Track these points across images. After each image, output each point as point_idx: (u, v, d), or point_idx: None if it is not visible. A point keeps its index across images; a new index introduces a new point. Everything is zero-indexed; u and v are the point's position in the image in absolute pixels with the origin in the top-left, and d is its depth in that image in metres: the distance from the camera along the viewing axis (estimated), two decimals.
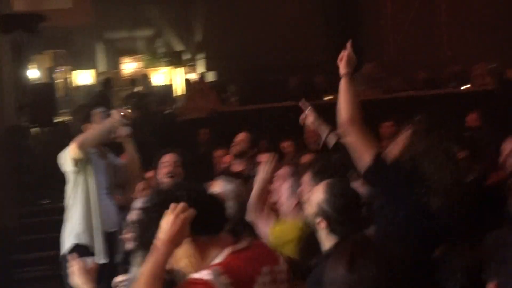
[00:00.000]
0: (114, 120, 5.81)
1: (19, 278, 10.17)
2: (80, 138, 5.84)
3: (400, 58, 17.45)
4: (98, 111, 6.09)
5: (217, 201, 3.10)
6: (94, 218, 5.98)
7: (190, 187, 3.02)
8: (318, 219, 3.73)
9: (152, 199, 3.00)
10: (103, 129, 5.87)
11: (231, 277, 2.88)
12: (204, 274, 2.85)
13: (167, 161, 6.11)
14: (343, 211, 3.68)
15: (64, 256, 5.94)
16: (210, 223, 2.96)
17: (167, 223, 2.82)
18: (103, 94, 14.76)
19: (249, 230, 4.39)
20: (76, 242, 5.99)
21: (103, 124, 5.87)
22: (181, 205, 2.84)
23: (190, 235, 2.89)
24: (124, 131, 6.06)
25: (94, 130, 5.89)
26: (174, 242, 2.84)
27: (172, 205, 2.85)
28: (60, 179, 10.91)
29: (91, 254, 5.87)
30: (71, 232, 6.03)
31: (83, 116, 6.07)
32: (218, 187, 4.25)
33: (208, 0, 19.29)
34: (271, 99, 14.30)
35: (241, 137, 7.20)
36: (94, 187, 6.01)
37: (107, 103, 13.67)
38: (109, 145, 6.40)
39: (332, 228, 3.69)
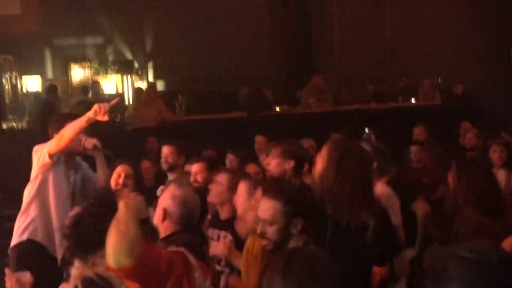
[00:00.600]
0: (86, 118, 5.69)
1: None
2: (60, 132, 5.76)
3: (348, 71, 17.63)
4: (69, 122, 5.99)
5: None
6: (54, 218, 5.90)
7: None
8: (294, 220, 3.84)
9: (89, 207, 3.02)
10: (77, 125, 5.74)
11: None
12: None
13: (119, 172, 6.12)
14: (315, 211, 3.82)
15: (13, 250, 5.88)
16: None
17: None
18: (50, 101, 14.57)
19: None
20: (31, 237, 5.92)
21: (78, 120, 5.75)
22: None
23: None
24: (90, 143, 6.00)
25: (70, 124, 5.78)
26: None
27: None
28: (3, 187, 10.83)
29: (44, 252, 5.81)
30: (27, 227, 5.95)
31: (57, 126, 5.98)
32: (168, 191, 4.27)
33: (158, 10, 19.27)
34: (220, 110, 14.35)
35: (166, 151, 7.23)
36: (57, 189, 5.93)
37: (53, 110, 13.53)
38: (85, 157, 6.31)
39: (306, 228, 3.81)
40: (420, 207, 6.37)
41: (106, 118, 5.55)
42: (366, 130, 9.68)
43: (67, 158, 5.96)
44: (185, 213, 4.09)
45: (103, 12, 18.86)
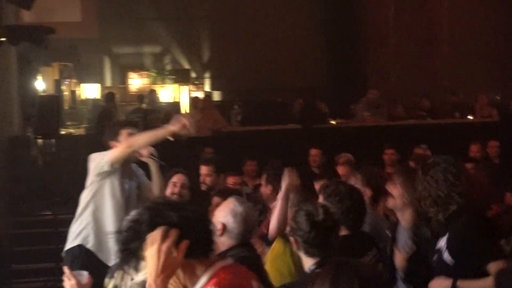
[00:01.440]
0: (167, 132, 5.71)
1: None
2: (130, 140, 5.80)
3: (403, 86, 17.51)
4: (126, 131, 6.03)
5: (208, 223, 3.04)
6: (107, 226, 5.95)
7: (182, 208, 2.94)
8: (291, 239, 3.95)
9: (142, 214, 2.97)
10: (154, 137, 5.77)
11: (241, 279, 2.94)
12: None
13: (176, 181, 6.15)
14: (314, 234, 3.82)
15: (67, 253, 5.95)
16: (199, 247, 2.91)
17: (151, 257, 2.77)
18: (107, 109, 14.78)
19: None
20: (82, 243, 5.98)
21: (156, 132, 5.78)
22: (159, 234, 2.78)
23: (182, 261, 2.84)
24: (147, 151, 6.03)
25: (145, 134, 5.83)
26: (165, 274, 2.77)
27: (151, 237, 2.78)
28: (60, 192, 11.03)
29: (95, 258, 5.89)
30: (80, 232, 6.01)
31: (112, 134, 6.03)
32: (228, 207, 4.27)
33: (214, 20, 19.43)
34: (275, 121, 14.36)
35: (204, 171, 7.17)
36: (112, 197, 5.97)
37: (111, 117, 13.73)
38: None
39: (305, 250, 3.86)
40: None
41: (191, 131, 5.58)
42: (422, 146, 9.64)
43: (123, 165, 5.98)
44: (245, 230, 4.11)
45: (161, 21, 19.08)
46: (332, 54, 18.56)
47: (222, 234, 4.08)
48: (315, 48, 19.00)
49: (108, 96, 15.66)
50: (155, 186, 6.16)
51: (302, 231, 3.85)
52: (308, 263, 3.88)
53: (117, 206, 5.94)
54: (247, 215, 4.17)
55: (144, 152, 6.02)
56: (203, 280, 2.90)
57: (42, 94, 14.68)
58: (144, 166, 6.32)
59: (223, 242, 4.06)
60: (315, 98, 15.56)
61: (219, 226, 4.08)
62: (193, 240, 2.86)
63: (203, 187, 7.10)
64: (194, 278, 2.91)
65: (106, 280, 3.82)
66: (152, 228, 2.82)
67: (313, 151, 9.86)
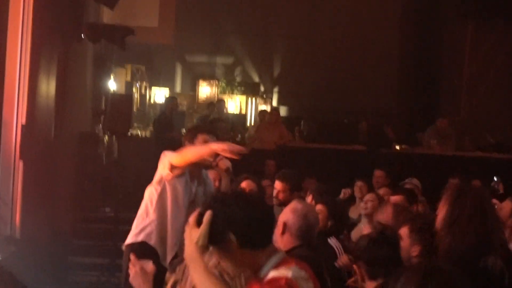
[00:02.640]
0: (210, 151, 5.80)
1: (73, 280, 10.37)
2: (184, 150, 5.88)
3: (474, 118, 17.30)
4: (202, 136, 6.08)
5: (269, 215, 3.15)
6: (169, 226, 6.00)
7: (243, 202, 3.06)
8: None
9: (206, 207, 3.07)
10: (198, 155, 5.84)
11: (308, 272, 3.01)
12: (283, 272, 2.93)
13: (244, 187, 6.21)
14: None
15: (127, 248, 6.03)
16: (259, 238, 3.02)
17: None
18: (165, 113, 14.83)
19: None
20: (145, 240, 6.05)
21: (201, 149, 5.85)
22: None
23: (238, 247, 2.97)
24: (224, 164, 6.10)
25: (196, 149, 5.88)
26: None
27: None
28: (123, 191, 11.20)
29: (156, 256, 5.93)
30: (143, 228, 6.07)
31: (190, 136, 6.09)
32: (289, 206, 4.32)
33: (288, 38, 19.53)
34: (339, 141, 14.34)
35: (279, 187, 7.12)
36: (177, 197, 6.02)
37: (167, 122, 13.91)
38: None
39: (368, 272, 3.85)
40: None
41: (232, 156, 5.63)
42: (495, 178, 9.54)
43: (193, 168, 6.03)
44: (305, 226, 4.13)
45: (236, 34, 19.26)
46: (405, 80, 18.45)
47: (283, 233, 4.12)
48: (388, 73, 18.91)
49: (169, 101, 15.73)
50: None
51: (361, 251, 3.84)
52: (370, 287, 3.87)
53: (182, 207, 6.00)
54: (307, 212, 4.21)
55: (222, 165, 6.09)
56: (271, 263, 3.00)
57: (115, 93, 14.91)
58: None
59: (286, 241, 4.09)
60: (382, 122, 15.51)
61: (280, 226, 4.13)
62: (253, 232, 2.96)
63: (275, 202, 7.07)
64: (256, 265, 3.02)
65: (167, 275, 3.88)
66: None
67: (378, 173, 9.81)
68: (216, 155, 5.90)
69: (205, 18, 18.83)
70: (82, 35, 10.87)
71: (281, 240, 4.04)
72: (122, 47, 12.10)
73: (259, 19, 19.23)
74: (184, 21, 18.33)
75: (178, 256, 4.15)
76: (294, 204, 4.26)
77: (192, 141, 5.98)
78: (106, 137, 13.77)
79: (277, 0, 19.21)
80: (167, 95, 18.20)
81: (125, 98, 13.61)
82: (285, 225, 4.14)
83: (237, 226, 2.96)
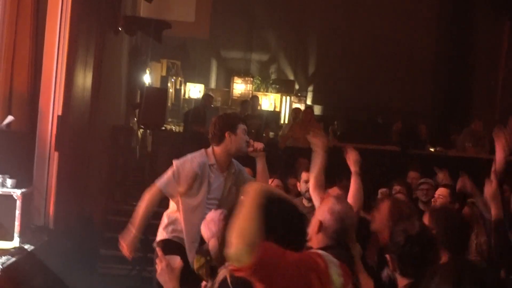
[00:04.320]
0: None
1: (104, 272, 10.43)
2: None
3: (507, 121, 17.08)
4: (242, 126, 6.12)
5: (302, 218, 3.17)
6: (196, 219, 6.00)
7: (280, 204, 3.09)
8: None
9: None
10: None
11: (342, 268, 3.16)
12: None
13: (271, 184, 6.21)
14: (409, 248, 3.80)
15: (158, 244, 6.06)
16: (296, 241, 3.07)
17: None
18: (198, 108, 14.90)
19: None
20: (172, 236, 6.07)
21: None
22: None
23: None
24: (260, 144, 6.14)
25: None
26: None
27: None
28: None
29: (182, 251, 5.93)
30: (170, 225, 6.11)
31: (230, 125, 6.11)
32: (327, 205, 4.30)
33: (324, 36, 19.48)
34: (372, 140, 14.26)
35: (306, 176, 7.15)
36: (202, 193, 6.04)
37: (199, 117, 13.94)
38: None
39: (400, 268, 3.83)
40: None
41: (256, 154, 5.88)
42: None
43: (221, 159, 6.08)
44: (341, 229, 4.10)
45: (271, 31, 19.24)
46: (440, 81, 18.32)
47: (318, 231, 4.09)
48: (423, 73, 18.80)
49: (205, 97, 15.80)
50: (260, 180, 6.19)
51: (396, 246, 3.82)
52: (401, 283, 3.85)
53: (205, 201, 6.02)
54: (345, 214, 4.17)
55: (259, 145, 6.11)
56: None
57: (149, 86, 14.98)
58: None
59: (319, 240, 4.07)
60: (417, 123, 15.40)
61: (316, 223, 4.11)
62: (285, 232, 2.94)
63: (304, 193, 7.17)
64: None
65: (196, 256, 3.94)
66: None
67: (412, 174, 9.74)
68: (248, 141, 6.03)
69: (241, 14, 18.85)
70: (119, 27, 10.92)
71: (315, 238, 4.01)
72: (159, 41, 12.15)
73: (295, 16, 19.21)
74: (220, 16, 18.38)
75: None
76: (332, 204, 4.20)
77: (233, 130, 6.02)
78: (140, 131, 13.83)
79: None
80: (202, 91, 18.23)
81: (160, 92, 13.65)
82: (321, 224, 4.11)
83: (276, 231, 2.99)
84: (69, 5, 7.79)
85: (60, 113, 7.85)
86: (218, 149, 6.06)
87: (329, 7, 19.05)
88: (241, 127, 6.04)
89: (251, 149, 6.06)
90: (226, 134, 5.99)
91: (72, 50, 8.00)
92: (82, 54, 8.81)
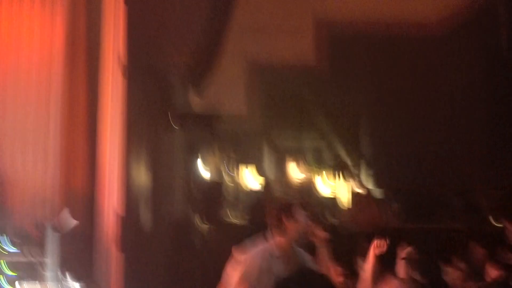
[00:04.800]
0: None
1: None
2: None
3: None
4: (301, 211, 6.10)
5: None
6: None
7: None
8: None
9: None
10: None
11: None
12: None
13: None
14: None
15: None
16: None
17: None
18: (263, 198, 14.97)
19: None
20: None
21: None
22: None
23: None
24: (322, 233, 6.09)
25: None
26: None
27: None
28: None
29: None
30: None
31: (288, 212, 6.10)
32: None
33: (377, 117, 19.45)
34: (434, 218, 14.09)
35: None
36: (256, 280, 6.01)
37: (266, 206, 13.93)
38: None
39: None
40: None
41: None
42: None
43: (284, 244, 6.02)
44: None
45: (322, 115, 19.30)
46: (499, 153, 18.05)
47: None
48: (481, 148, 18.57)
49: (265, 186, 15.85)
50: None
51: None
52: None
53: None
54: None
55: (321, 234, 6.07)
56: None
57: (206, 181, 15.09)
58: None
59: None
60: (477, 197, 15.20)
61: None
62: None
63: None
64: None
65: None
66: None
67: (478, 249, 9.53)
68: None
69: (292, 103, 18.97)
70: (173, 124, 11.11)
71: None
72: (211, 135, 12.31)
73: (346, 99, 19.24)
74: (272, 106, 18.56)
75: None
76: None
77: (292, 217, 5.99)
78: (201, 225, 13.86)
79: (360, 80, 19.19)
80: (259, 180, 18.27)
81: (216, 186, 13.74)
82: None
83: None
84: (120, 104, 7.98)
85: (120, 213, 7.94)
86: (280, 239, 6.01)
87: (378, 89, 19.05)
88: (300, 213, 6.02)
89: (313, 237, 6.02)
90: (286, 222, 5.96)
91: (126, 150, 8.15)
92: (136, 152, 8.96)
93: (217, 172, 17.42)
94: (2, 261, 7.20)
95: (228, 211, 15.96)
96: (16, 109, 8.14)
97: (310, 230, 6.02)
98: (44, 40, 8.22)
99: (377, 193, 18.73)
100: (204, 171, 15.91)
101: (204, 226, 13.76)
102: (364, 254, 11.04)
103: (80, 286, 6.76)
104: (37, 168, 8.04)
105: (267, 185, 16.29)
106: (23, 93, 8.18)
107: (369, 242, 11.81)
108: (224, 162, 18.05)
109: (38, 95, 8.17)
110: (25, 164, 8.04)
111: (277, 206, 6.19)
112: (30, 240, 7.29)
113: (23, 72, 8.21)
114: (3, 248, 7.21)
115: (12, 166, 8.00)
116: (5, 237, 7.35)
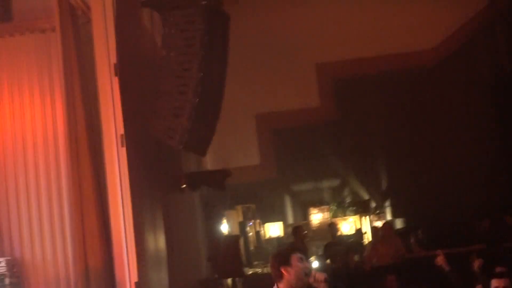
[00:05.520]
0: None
1: None
2: None
3: None
4: (295, 255, 6.20)
5: None
6: None
7: None
8: None
9: None
10: None
11: None
12: None
13: None
14: None
15: None
16: None
17: None
18: (294, 243, 15.03)
19: None
20: None
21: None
22: None
23: None
24: (321, 276, 6.16)
25: None
26: None
27: None
28: None
29: None
30: None
31: (283, 259, 6.19)
32: None
33: (390, 152, 19.46)
34: (459, 243, 14.02)
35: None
36: None
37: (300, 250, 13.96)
38: None
39: None
40: None
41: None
42: None
43: None
44: None
45: (337, 155, 19.36)
46: None
47: None
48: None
49: (294, 231, 15.91)
50: None
51: None
52: None
53: None
54: None
55: (320, 276, 6.13)
56: None
57: (222, 236, 15.19)
58: None
59: None
60: (504, 215, 15.11)
61: None
62: None
63: None
64: None
65: None
66: None
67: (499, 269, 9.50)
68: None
69: (305, 147, 19.06)
70: (182, 185, 11.24)
71: None
72: (222, 190, 12.43)
73: (357, 137, 19.29)
74: (285, 153, 18.69)
75: None
76: None
77: (287, 263, 6.07)
78: (226, 283, 13.89)
79: (369, 117, 19.23)
80: (280, 228, 18.34)
81: (232, 240, 13.84)
82: None
83: None
84: (125, 175, 8.11)
85: (136, 280, 8.02)
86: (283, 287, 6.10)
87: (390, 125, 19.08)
88: (295, 257, 6.09)
89: (312, 279, 6.08)
90: (282, 270, 6.05)
91: (137, 216, 8.25)
92: (148, 217, 9.06)
93: (239, 224, 17.51)
94: None
95: (250, 262, 16.02)
96: (29, 196, 8.35)
97: (306, 270, 6.09)
98: (47, 125, 8.47)
99: (399, 223, 18.74)
100: (225, 226, 16.01)
101: (226, 282, 13.81)
102: None
103: None
104: (55, 250, 8.21)
105: (293, 229, 16.37)
106: (33, 181, 8.40)
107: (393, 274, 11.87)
108: (245, 213, 18.14)
109: (47, 181, 8.37)
110: (43, 248, 8.22)
111: (273, 255, 6.28)
112: None
113: (30, 161, 8.44)
114: None
115: (31, 252, 8.17)
116: None
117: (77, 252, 8.09)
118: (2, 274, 7.54)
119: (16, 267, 7.96)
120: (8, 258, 7.88)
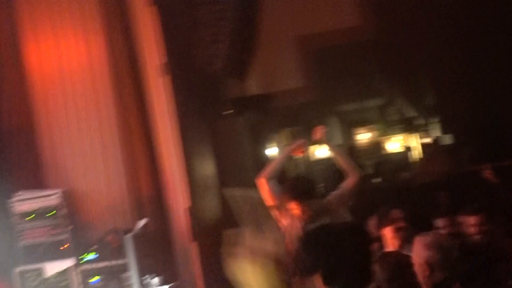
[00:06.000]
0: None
1: None
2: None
3: None
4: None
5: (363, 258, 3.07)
6: None
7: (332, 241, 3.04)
8: None
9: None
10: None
11: None
12: None
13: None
14: None
15: None
16: (347, 280, 2.98)
17: None
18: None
19: None
20: None
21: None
22: None
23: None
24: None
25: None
26: None
27: None
28: None
29: None
30: None
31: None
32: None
33: (438, 66, 19.19)
34: (508, 156, 13.84)
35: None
36: None
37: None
38: None
39: None
40: None
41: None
42: None
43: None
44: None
45: (380, 73, 19.18)
46: None
47: (430, 273, 4.09)
48: None
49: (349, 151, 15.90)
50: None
51: None
52: None
53: None
54: (441, 241, 4.16)
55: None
56: None
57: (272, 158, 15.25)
58: None
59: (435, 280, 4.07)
60: None
61: (422, 268, 4.10)
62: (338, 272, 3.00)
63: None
64: None
65: None
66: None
67: None
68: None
69: (346, 66, 18.89)
70: (228, 110, 11.27)
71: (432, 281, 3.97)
72: (267, 114, 12.44)
73: (402, 55, 19.04)
74: (328, 74, 18.54)
75: None
76: (423, 240, 4.15)
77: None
78: None
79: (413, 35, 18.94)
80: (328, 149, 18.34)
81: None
82: (427, 264, 4.05)
83: (323, 265, 2.96)
84: (169, 102, 8.15)
85: (188, 205, 8.13)
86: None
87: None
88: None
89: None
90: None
91: (185, 143, 8.32)
92: (197, 144, 9.14)
93: (282, 148, 17.57)
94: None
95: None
96: (81, 133, 8.42)
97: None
98: (91, 60, 8.48)
99: (447, 139, 18.59)
100: (274, 149, 16.07)
101: None
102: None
103: (159, 281, 7.02)
104: (107, 181, 8.32)
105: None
106: (84, 116, 8.45)
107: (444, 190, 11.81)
108: (291, 136, 18.15)
109: (98, 114, 8.41)
110: (96, 179, 8.33)
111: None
112: (109, 246, 7.57)
113: (80, 98, 8.47)
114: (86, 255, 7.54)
115: (86, 183, 8.29)
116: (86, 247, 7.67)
117: (130, 181, 8.21)
118: (60, 204, 7.71)
119: (71, 198, 8.12)
120: (64, 189, 8.03)
